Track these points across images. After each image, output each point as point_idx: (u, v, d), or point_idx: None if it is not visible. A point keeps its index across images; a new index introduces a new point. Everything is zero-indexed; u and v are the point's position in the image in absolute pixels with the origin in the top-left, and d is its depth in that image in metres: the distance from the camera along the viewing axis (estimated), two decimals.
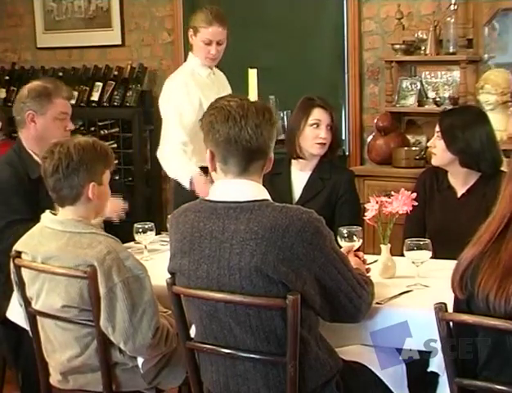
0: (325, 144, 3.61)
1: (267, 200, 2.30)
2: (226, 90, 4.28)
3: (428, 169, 3.55)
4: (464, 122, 3.32)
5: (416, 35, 4.97)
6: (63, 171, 2.63)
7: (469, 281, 2.05)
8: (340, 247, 2.64)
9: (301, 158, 3.64)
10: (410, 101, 5.02)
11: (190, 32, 4.11)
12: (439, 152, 3.34)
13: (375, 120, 5.08)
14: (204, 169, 3.74)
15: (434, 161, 3.41)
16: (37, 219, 2.83)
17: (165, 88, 4.16)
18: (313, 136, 3.59)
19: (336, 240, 2.58)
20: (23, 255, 2.72)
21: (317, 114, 3.61)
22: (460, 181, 3.36)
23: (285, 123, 5.30)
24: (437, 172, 3.45)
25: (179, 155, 3.97)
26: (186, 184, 3.86)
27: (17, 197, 3.32)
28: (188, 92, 4.05)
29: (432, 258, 2.78)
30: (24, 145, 3.46)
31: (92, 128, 6.05)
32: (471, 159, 3.28)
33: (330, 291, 2.29)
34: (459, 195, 3.38)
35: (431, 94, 5.04)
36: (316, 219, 2.24)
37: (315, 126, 3.60)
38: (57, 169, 2.63)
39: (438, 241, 2.91)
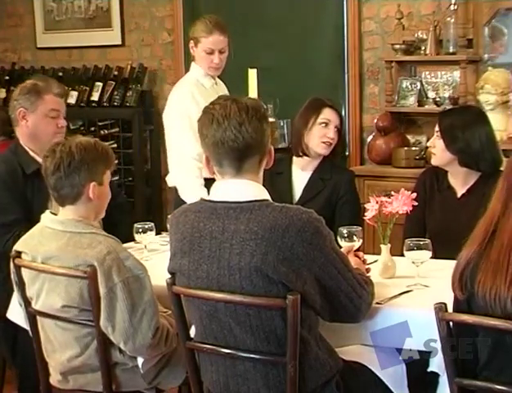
0: (331, 144, 3.62)
1: (267, 200, 2.30)
2: None
3: (429, 169, 3.55)
4: (464, 122, 3.32)
5: (416, 35, 4.97)
6: (64, 170, 2.63)
7: (469, 280, 2.05)
8: (340, 247, 2.64)
9: (306, 155, 3.64)
10: (410, 101, 5.02)
11: (191, 43, 4.07)
12: (439, 152, 3.34)
13: (375, 120, 5.08)
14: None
15: (434, 161, 3.41)
16: (29, 217, 2.82)
17: (169, 98, 4.12)
18: (321, 135, 3.60)
19: (336, 240, 2.58)
20: (23, 255, 2.72)
21: (328, 113, 3.62)
22: (460, 181, 3.36)
23: (285, 131, 5.31)
24: (437, 172, 3.44)
25: (192, 178, 3.88)
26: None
27: (10, 196, 3.33)
28: (194, 97, 3.99)
29: (432, 258, 2.78)
30: (21, 142, 3.48)
31: (92, 128, 6.05)
32: (470, 158, 3.28)
33: (330, 290, 2.29)
34: (459, 195, 3.37)
35: (431, 94, 5.04)
36: (315, 219, 2.24)
37: (323, 125, 3.60)
38: (59, 168, 2.63)
39: (438, 241, 2.91)
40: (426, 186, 3.46)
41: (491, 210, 2.08)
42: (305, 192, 3.66)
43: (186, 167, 3.94)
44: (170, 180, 4.11)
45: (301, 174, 3.69)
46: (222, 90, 4.22)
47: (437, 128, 3.36)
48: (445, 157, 3.32)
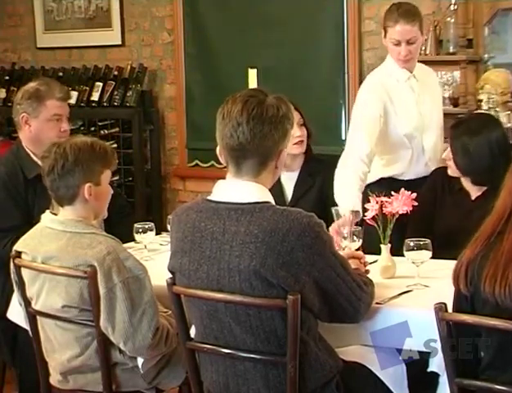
0: (302, 141, 3.61)
1: (269, 202, 2.28)
2: (431, 96, 3.81)
3: (440, 170, 3.48)
4: (472, 140, 3.22)
5: None
6: (58, 171, 2.63)
7: (476, 276, 2.05)
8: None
9: None
10: None
11: (383, 32, 3.70)
12: (453, 167, 3.29)
13: None
14: (393, 180, 3.61)
15: (452, 173, 3.34)
16: (30, 221, 2.82)
17: (360, 88, 3.78)
18: None
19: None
20: (23, 255, 2.72)
21: None
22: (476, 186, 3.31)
23: None
24: (448, 173, 3.40)
25: (352, 173, 3.40)
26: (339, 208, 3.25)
27: (10, 201, 3.33)
28: (375, 97, 3.62)
29: (436, 258, 2.77)
30: (23, 144, 3.48)
31: (92, 128, 6.05)
32: (485, 176, 3.21)
33: (330, 294, 2.29)
34: (473, 197, 3.31)
35: None
36: (316, 224, 2.23)
37: None
38: (53, 170, 2.64)
39: (447, 243, 2.88)
40: (437, 187, 3.41)
41: (502, 204, 2.07)
42: (296, 191, 3.66)
43: (349, 163, 3.46)
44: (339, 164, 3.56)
45: (289, 174, 3.68)
46: (422, 85, 3.77)
47: (449, 147, 3.30)
48: (459, 172, 3.29)
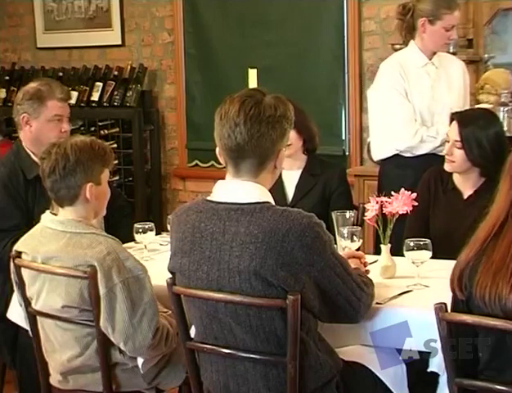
0: (289, 145, 3.59)
1: (269, 202, 2.28)
2: (449, 84, 3.95)
3: (432, 170, 3.48)
4: (484, 131, 3.23)
5: None
6: (59, 172, 2.63)
7: (468, 281, 2.05)
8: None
9: None
10: None
11: (422, 20, 3.84)
12: (459, 161, 3.25)
13: None
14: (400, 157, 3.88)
15: (450, 168, 3.31)
16: (30, 222, 2.82)
17: (378, 73, 4.06)
18: None
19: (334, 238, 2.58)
20: (23, 255, 2.72)
21: None
22: (470, 183, 3.29)
23: None
24: (441, 173, 3.38)
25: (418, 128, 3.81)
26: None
27: (10, 201, 3.33)
28: (400, 69, 3.90)
29: (433, 258, 2.78)
30: (23, 145, 3.47)
31: (92, 128, 6.06)
32: (493, 169, 3.21)
33: (329, 294, 2.28)
34: (465, 196, 3.31)
35: None
36: (316, 224, 2.23)
37: None
38: (54, 170, 2.63)
39: (442, 243, 2.88)
40: (430, 186, 3.40)
41: (497, 208, 2.07)
42: (297, 191, 3.65)
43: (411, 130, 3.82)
44: (375, 154, 4.09)
45: (290, 174, 3.67)
46: (441, 73, 3.95)
47: (455, 138, 3.24)
48: (465, 166, 3.25)
